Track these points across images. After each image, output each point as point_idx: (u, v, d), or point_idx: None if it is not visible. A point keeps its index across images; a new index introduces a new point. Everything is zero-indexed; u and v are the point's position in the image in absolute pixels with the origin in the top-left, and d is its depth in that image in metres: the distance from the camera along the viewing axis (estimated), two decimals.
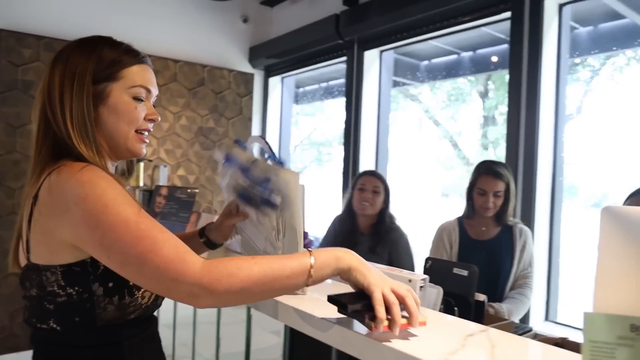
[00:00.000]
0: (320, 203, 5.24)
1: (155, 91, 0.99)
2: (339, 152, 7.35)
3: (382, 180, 2.35)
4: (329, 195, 4.96)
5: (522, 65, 2.58)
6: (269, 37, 4.27)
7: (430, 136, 6.14)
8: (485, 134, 5.79)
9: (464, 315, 1.27)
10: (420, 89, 5.89)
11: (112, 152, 0.97)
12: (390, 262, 2.23)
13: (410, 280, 1.19)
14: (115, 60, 0.93)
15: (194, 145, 4.11)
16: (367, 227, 2.35)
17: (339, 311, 0.85)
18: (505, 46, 3.76)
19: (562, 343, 1.34)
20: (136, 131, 0.96)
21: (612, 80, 3.87)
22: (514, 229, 2.08)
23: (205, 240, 1.22)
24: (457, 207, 2.27)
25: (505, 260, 2.05)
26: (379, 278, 0.81)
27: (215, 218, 1.63)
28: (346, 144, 3.71)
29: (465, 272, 1.39)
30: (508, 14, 2.68)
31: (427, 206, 6.06)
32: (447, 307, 1.28)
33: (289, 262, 0.79)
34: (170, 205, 2.40)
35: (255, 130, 4.42)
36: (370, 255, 2.23)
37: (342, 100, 6.41)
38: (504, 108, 5.76)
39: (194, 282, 0.74)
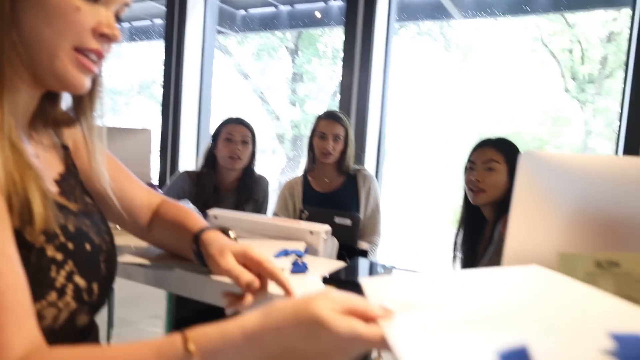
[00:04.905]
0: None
1: None
2: (138, 102, 6.72)
3: (251, 129, 2.07)
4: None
5: (357, 21, 2.68)
6: None
7: (239, 90, 6.05)
8: (294, 91, 5.95)
9: None
10: (229, 40, 5.70)
11: (34, 77, 0.57)
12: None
13: (312, 233, 1.14)
14: None
15: None
16: (232, 182, 2.08)
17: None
18: (323, 4, 3.88)
19: None
20: (76, 49, 0.56)
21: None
22: (357, 176, 2.06)
23: (197, 250, 0.77)
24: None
25: (351, 210, 2.01)
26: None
27: None
28: (165, 95, 3.35)
29: (348, 222, 1.38)
30: None
31: None
32: (340, 259, 1.26)
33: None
34: None
35: None
36: None
37: (143, 44, 5.80)
38: (310, 67, 5.99)
39: None
